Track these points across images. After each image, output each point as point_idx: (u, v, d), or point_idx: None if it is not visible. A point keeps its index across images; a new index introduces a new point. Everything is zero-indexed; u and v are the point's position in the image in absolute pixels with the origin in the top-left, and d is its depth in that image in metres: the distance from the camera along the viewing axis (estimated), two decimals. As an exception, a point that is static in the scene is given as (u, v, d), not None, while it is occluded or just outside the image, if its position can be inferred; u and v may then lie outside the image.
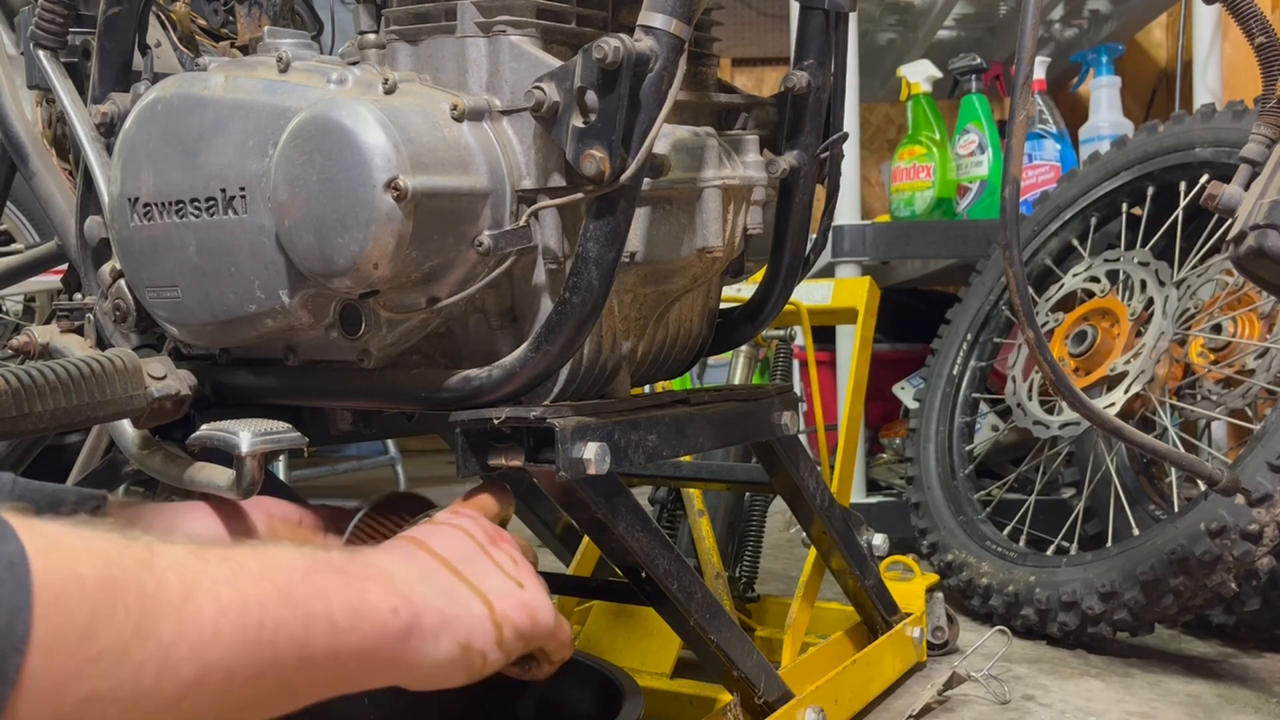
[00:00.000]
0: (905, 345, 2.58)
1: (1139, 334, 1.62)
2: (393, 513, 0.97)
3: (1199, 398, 1.56)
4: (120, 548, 0.56)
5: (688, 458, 1.45)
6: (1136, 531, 1.57)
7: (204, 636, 0.57)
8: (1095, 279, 1.74)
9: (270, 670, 0.61)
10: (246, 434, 0.90)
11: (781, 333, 1.68)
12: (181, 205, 0.97)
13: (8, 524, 0.51)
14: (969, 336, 1.94)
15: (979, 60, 2.29)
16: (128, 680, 0.53)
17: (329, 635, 0.65)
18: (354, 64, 0.98)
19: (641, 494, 1.45)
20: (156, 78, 1.11)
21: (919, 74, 2.24)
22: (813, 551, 1.33)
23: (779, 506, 1.55)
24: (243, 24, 1.50)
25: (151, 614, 0.55)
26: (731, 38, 4.65)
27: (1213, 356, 1.56)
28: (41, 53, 1.20)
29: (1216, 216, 1.19)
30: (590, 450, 0.88)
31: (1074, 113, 2.42)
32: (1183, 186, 1.67)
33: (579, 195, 0.87)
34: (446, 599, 0.76)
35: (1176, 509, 1.54)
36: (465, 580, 0.78)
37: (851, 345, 1.54)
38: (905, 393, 2.42)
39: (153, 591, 0.55)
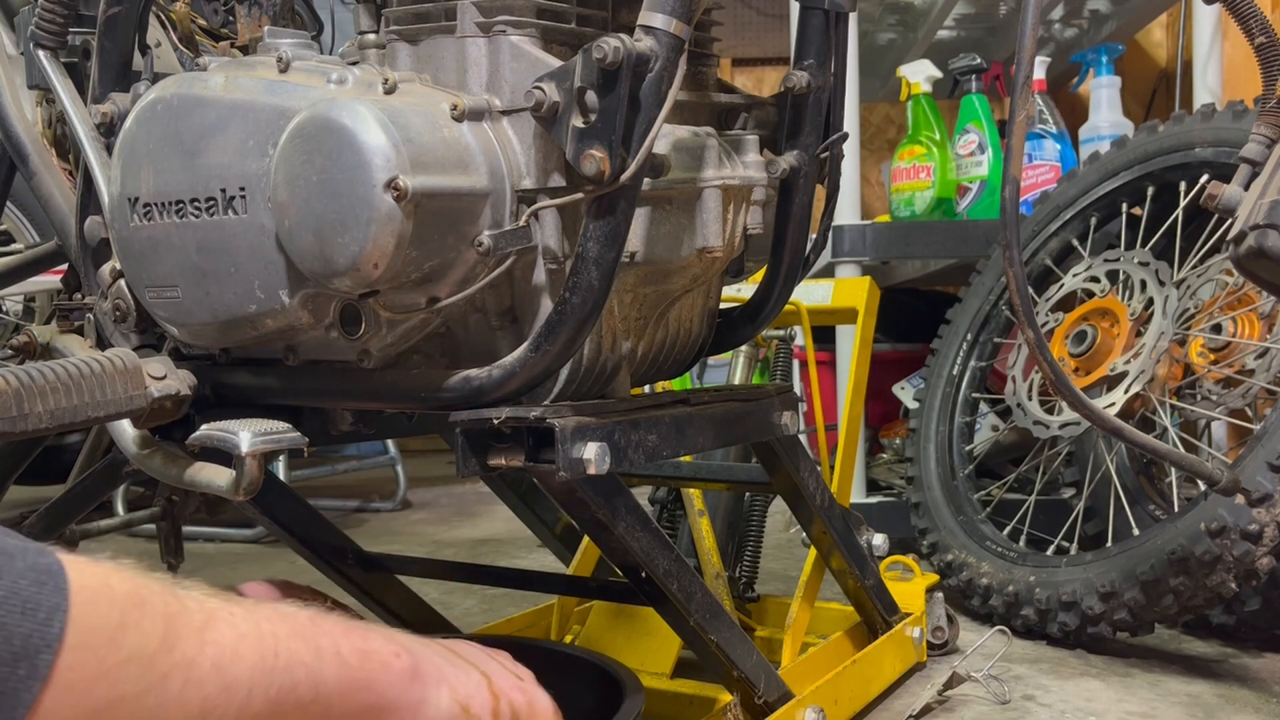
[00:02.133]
0: (905, 345, 2.58)
1: (1139, 334, 1.62)
2: None
3: (1199, 398, 1.56)
4: (144, 575, 0.59)
5: (688, 458, 1.45)
6: (1136, 531, 1.57)
7: (225, 655, 0.59)
8: (1095, 279, 1.73)
9: (289, 699, 0.63)
10: (246, 434, 0.90)
11: (781, 333, 1.67)
12: (181, 205, 0.97)
13: (46, 545, 0.54)
14: (969, 336, 1.94)
15: (979, 60, 2.29)
16: (154, 688, 0.55)
17: (340, 669, 0.66)
18: (354, 64, 0.98)
19: (641, 494, 1.45)
20: (156, 78, 1.11)
21: (919, 74, 2.24)
22: (813, 551, 1.33)
23: (779, 506, 1.55)
24: (243, 24, 1.50)
25: (176, 629, 0.57)
26: (731, 38, 4.65)
27: (1213, 356, 1.56)
28: (41, 53, 1.20)
29: (1216, 216, 1.19)
30: (590, 450, 0.88)
31: (1074, 113, 2.42)
32: (1183, 186, 1.67)
33: (579, 195, 0.87)
34: (445, 661, 0.77)
35: (1176, 509, 1.54)
36: (462, 657, 0.80)
37: (851, 345, 1.54)
38: (905, 393, 2.42)
39: (176, 611, 0.58)
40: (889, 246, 2.12)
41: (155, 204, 0.99)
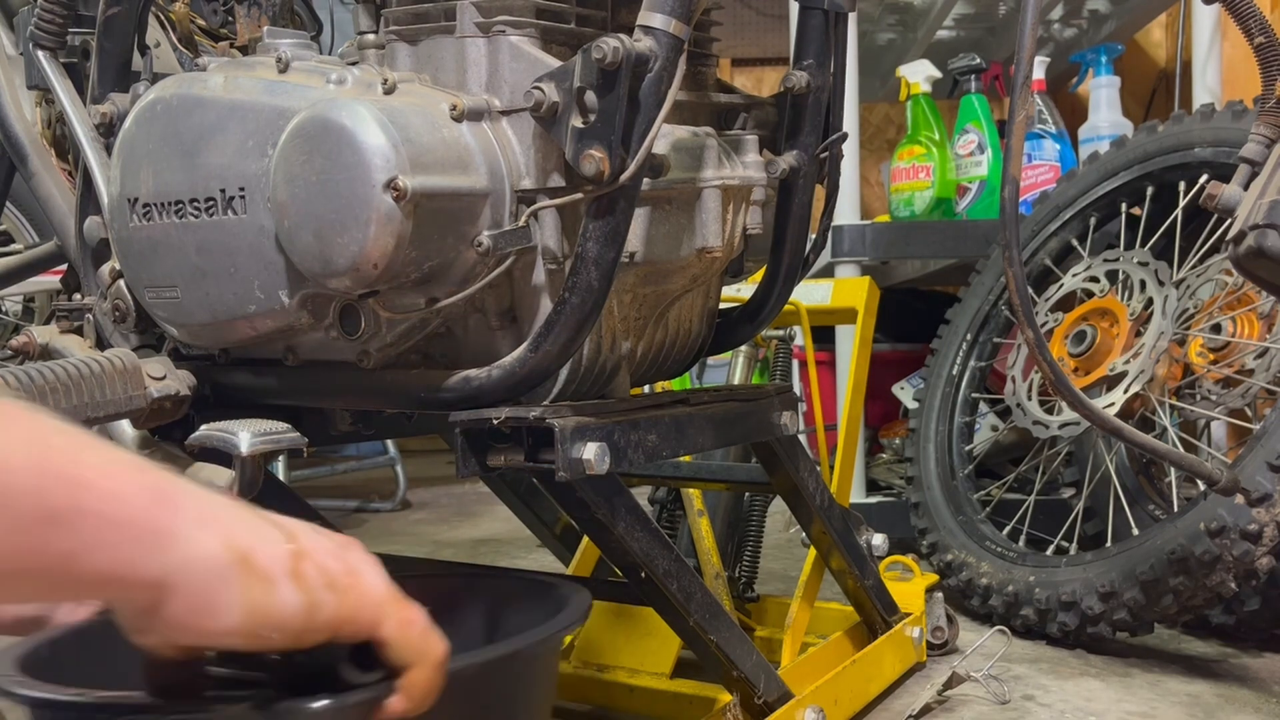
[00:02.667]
0: (905, 345, 2.58)
1: (1138, 334, 1.62)
2: None
3: (1198, 398, 1.56)
4: None
5: (688, 458, 1.45)
6: (1136, 531, 1.57)
7: None
8: (1095, 279, 1.74)
9: None
10: (246, 434, 0.90)
11: (781, 333, 1.68)
12: (181, 205, 0.97)
13: None
14: (969, 336, 1.94)
15: (978, 60, 2.29)
16: None
17: (34, 450, 0.51)
18: (353, 64, 0.99)
19: (641, 494, 1.45)
20: (156, 78, 1.11)
21: (919, 74, 2.24)
22: (813, 551, 1.33)
23: (779, 506, 1.55)
24: (242, 24, 1.50)
25: None
26: (731, 38, 4.65)
27: (1212, 356, 1.56)
28: (41, 53, 1.20)
29: (1216, 216, 1.19)
30: (590, 450, 0.88)
31: (1074, 113, 2.42)
32: (1182, 186, 1.67)
33: (578, 195, 0.87)
34: (224, 507, 0.59)
35: (1176, 509, 1.54)
36: (262, 516, 0.61)
37: (851, 345, 1.54)
38: (905, 393, 2.42)
39: None
40: (889, 246, 2.12)
41: (155, 204, 0.99)
